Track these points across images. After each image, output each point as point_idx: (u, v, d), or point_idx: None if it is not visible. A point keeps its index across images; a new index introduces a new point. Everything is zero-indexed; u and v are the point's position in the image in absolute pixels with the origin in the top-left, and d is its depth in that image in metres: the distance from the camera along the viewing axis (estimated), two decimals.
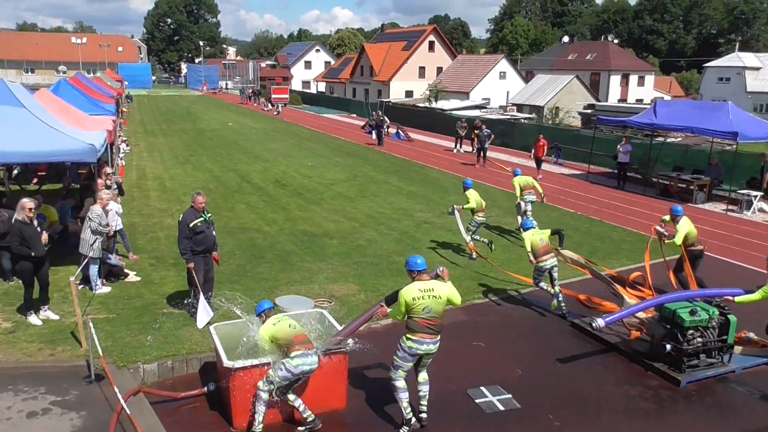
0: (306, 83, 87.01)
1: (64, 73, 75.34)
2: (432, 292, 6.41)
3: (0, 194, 11.39)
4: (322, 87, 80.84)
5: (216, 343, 6.87)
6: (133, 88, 66.52)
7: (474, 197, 12.54)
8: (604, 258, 12.72)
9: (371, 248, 12.98)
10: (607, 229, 15.46)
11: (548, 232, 10.23)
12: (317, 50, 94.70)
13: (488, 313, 9.88)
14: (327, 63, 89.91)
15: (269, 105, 51.90)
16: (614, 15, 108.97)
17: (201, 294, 8.45)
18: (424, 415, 6.67)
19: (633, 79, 66.74)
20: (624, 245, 13.95)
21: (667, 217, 10.66)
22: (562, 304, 9.71)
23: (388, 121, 33.66)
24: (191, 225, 8.56)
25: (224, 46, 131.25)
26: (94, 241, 9.60)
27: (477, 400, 7.19)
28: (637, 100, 60.98)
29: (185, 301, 9.13)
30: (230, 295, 9.39)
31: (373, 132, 31.95)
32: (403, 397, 6.54)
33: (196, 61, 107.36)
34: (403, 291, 6.46)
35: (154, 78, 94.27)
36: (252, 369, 6.48)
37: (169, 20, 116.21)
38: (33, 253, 8.53)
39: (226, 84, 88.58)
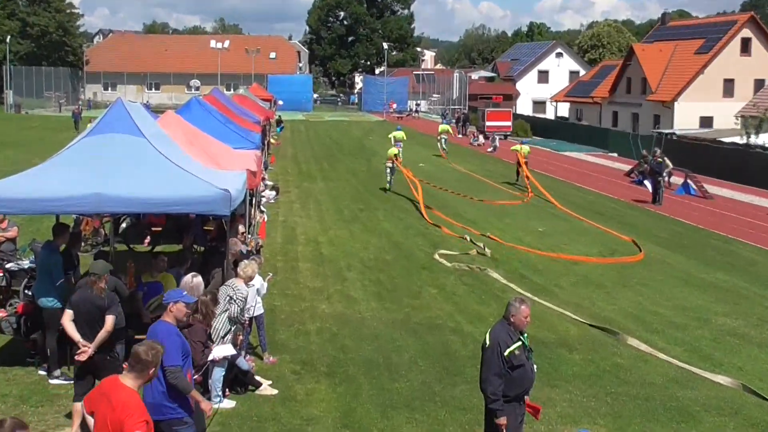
0: (539, 104, 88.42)
1: (197, 89, 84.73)
2: None
3: (104, 255, 12.69)
4: (563, 110, 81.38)
5: None
6: (287, 109, 72.49)
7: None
8: None
9: (637, 371, 12.64)
10: None
11: None
12: (558, 54, 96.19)
13: None
14: (573, 74, 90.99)
15: (481, 137, 53.18)
16: None
17: None
18: None
19: None
20: None
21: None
22: None
23: (671, 165, 32.87)
24: (507, 353, 7.86)
25: (418, 49, 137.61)
26: (227, 333, 10.26)
27: None
28: None
29: None
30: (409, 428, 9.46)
31: (646, 181, 31.25)
32: None
33: (377, 71, 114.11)
34: None
35: (315, 95, 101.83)
36: None
37: (341, 14, 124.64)
38: None
39: (417, 104, 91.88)
